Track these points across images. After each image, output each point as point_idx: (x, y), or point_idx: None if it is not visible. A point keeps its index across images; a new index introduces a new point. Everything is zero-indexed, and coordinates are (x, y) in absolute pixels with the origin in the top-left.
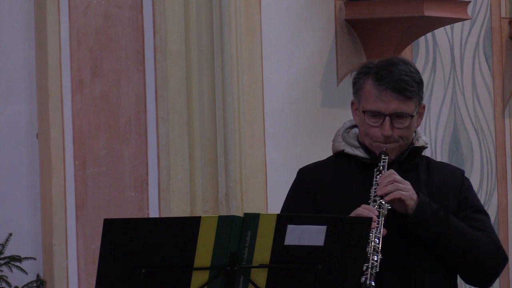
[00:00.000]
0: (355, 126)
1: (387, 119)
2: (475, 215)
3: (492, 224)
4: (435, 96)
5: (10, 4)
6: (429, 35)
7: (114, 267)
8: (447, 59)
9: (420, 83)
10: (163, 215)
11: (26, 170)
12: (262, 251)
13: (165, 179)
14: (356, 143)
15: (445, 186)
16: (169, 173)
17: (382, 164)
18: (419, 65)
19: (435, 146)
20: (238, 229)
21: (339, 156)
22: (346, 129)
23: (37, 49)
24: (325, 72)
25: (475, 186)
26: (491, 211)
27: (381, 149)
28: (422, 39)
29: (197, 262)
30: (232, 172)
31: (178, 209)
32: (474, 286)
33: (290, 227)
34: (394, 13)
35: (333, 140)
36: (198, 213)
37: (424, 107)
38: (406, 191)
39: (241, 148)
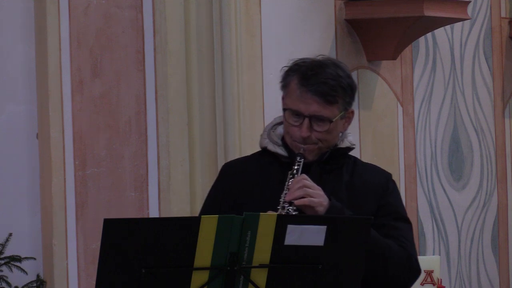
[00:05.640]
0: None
1: (306, 120)
2: (394, 223)
3: (413, 235)
4: (435, 96)
5: (11, 4)
6: (429, 35)
7: (114, 267)
8: (447, 59)
9: (347, 88)
10: (163, 215)
11: (26, 170)
12: (262, 251)
13: (165, 179)
14: (279, 141)
15: (366, 189)
16: (169, 173)
17: (296, 167)
18: (419, 65)
19: (435, 146)
20: (238, 229)
21: (263, 152)
22: (274, 125)
23: (37, 49)
24: None
25: (475, 186)
26: (491, 211)
27: (299, 149)
28: (422, 39)
29: (197, 262)
30: None
31: (178, 209)
32: None
33: (290, 227)
34: (394, 13)
35: (260, 135)
36: (198, 213)
37: (352, 112)
38: (315, 197)
39: (241, 148)
